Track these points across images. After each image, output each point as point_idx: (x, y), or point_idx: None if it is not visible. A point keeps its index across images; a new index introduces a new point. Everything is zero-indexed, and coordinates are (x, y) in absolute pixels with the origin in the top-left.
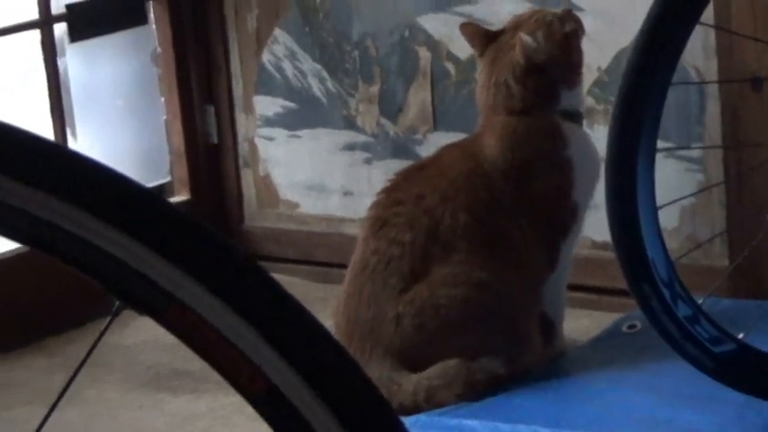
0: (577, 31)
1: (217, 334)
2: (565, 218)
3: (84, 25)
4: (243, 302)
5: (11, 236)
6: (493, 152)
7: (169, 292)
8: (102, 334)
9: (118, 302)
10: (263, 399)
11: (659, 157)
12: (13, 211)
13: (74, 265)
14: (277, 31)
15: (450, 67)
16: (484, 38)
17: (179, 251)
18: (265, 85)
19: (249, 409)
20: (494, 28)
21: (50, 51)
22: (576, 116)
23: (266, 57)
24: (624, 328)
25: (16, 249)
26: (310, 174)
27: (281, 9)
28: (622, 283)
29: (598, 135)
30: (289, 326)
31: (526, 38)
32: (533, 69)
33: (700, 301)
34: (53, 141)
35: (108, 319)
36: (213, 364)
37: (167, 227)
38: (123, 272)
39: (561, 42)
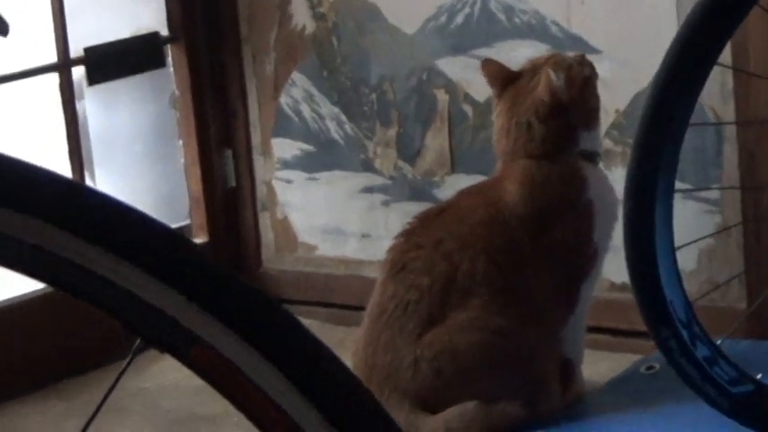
0: (593, 75)
1: (241, 375)
2: (585, 261)
3: (102, 68)
4: (268, 344)
5: (34, 275)
6: (513, 198)
7: (192, 332)
8: (121, 374)
9: (138, 341)
10: None
11: (677, 198)
12: (36, 250)
13: (95, 304)
14: (295, 75)
15: (468, 109)
16: (504, 78)
17: (204, 291)
18: (283, 128)
19: None
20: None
21: (69, 95)
22: (594, 156)
23: (284, 100)
24: (643, 370)
25: (34, 291)
26: (328, 217)
27: (299, 53)
28: (641, 325)
29: (616, 177)
30: (314, 368)
31: (553, 74)
32: (556, 109)
33: (718, 343)
34: (77, 181)
35: (127, 359)
36: (237, 405)
37: (192, 267)
38: (147, 311)
39: (581, 85)
